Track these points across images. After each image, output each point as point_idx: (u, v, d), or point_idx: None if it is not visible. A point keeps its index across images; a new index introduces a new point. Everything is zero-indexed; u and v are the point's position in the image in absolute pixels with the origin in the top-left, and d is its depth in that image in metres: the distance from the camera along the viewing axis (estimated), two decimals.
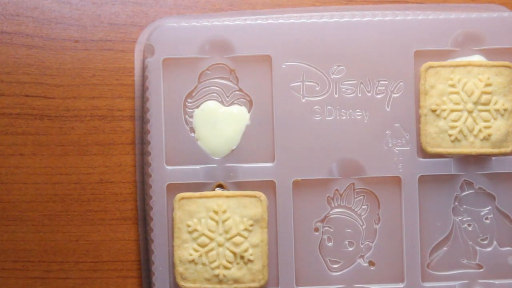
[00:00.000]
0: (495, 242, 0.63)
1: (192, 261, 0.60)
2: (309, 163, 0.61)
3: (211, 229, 0.60)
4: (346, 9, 0.63)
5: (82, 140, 0.61)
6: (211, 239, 0.60)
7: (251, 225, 0.60)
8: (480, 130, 0.60)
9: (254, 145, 0.62)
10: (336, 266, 0.62)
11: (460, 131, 0.60)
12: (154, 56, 0.61)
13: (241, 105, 0.62)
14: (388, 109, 0.62)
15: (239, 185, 0.62)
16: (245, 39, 0.61)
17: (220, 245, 0.60)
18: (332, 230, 0.63)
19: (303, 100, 0.62)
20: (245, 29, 0.61)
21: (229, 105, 0.62)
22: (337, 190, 0.62)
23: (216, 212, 0.60)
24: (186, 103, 0.62)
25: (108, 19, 0.64)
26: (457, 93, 0.60)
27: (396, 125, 0.62)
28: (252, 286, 0.60)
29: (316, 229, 0.62)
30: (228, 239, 0.60)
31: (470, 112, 0.60)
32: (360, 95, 0.62)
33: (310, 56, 0.61)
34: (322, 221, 0.63)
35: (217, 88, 0.62)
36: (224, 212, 0.60)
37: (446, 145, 0.61)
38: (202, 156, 0.62)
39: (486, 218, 0.63)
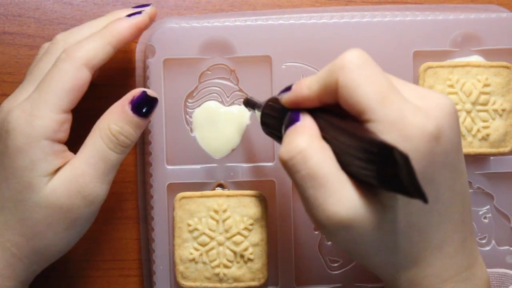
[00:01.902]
0: (493, 242, 0.63)
1: (193, 260, 0.61)
2: None
3: (211, 228, 0.60)
4: (345, 10, 0.63)
5: (82, 140, 0.61)
6: (212, 238, 0.60)
7: (251, 224, 0.60)
8: (478, 130, 0.61)
9: (254, 145, 0.62)
10: (335, 265, 0.63)
11: None
12: (155, 56, 0.61)
13: (241, 105, 0.62)
14: None
15: (239, 185, 0.62)
16: (245, 40, 0.61)
17: (220, 244, 0.60)
18: None
19: None
20: (245, 29, 0.61)
21: (230, 105, 0.62)
22: None
23: (216, 211, 0.60)
24: (187, 103, 0.62)
25: None
26: (455, 93, 0.61)
27: None
28: (252, 285, 0.61)
29: (316, 228, 0.63)
30: (228, 238, 0.60)
31: (468, 112, 0.61)
32: None
33: (310, 56, 0.61)
34: None
35: (217, 88, 0.62)
36: (225, 211, 0.60)
37: None
38: (202, 155, 0.62)
39: (485, 218, 0.63)
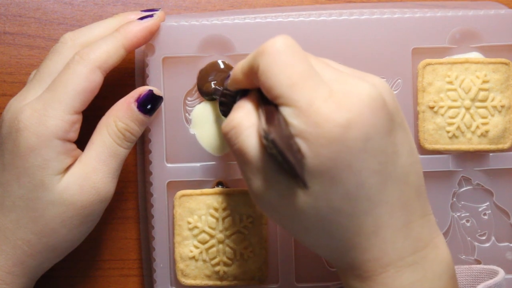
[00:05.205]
0: (493, 238, 0.63)
1: (193, 257, 0.61)
2: None
3: (211, 226, 0.60)
4: (344, 7, 0.63)
5: (83, 140, 0.61)
6: (212, 236, 0.60)
7: (251, 222, 0.60)
8: (477, 127, 0.61)
9: None
10: None
11: (458, 128, 0.61)
12: (155, 54, 0.61)
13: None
14: None
15: (239, 183, 0.62)
16: (244, 38, 0.61)
17: (220, 242, 0.60)
18: None
19: None
20: (244, 27, 0.61)
21: None
22: None
23: (216, 209, 0.60)
24: (186, 101, 0.62)
25: None
26: (454, 90, 0.61)
27: None
28: (252, 283, 0.61)
29: None
30: (228, 236, 0.60)
31: (467, 108, 0.61)
32: None
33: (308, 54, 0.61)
34: None
35: None
36: (224, 209, 0.60)
37: (444, 141, 0.61)
38: (202, 153, 0.62)
39: (484, 214, 0.63)
